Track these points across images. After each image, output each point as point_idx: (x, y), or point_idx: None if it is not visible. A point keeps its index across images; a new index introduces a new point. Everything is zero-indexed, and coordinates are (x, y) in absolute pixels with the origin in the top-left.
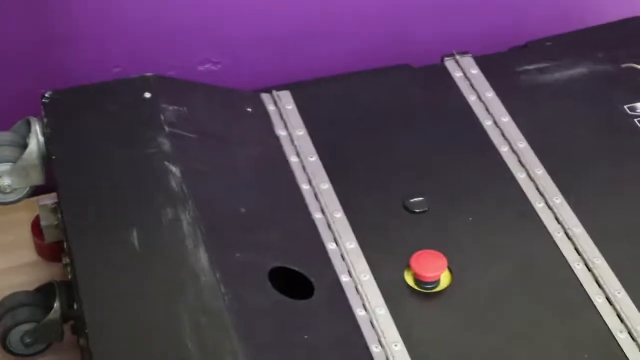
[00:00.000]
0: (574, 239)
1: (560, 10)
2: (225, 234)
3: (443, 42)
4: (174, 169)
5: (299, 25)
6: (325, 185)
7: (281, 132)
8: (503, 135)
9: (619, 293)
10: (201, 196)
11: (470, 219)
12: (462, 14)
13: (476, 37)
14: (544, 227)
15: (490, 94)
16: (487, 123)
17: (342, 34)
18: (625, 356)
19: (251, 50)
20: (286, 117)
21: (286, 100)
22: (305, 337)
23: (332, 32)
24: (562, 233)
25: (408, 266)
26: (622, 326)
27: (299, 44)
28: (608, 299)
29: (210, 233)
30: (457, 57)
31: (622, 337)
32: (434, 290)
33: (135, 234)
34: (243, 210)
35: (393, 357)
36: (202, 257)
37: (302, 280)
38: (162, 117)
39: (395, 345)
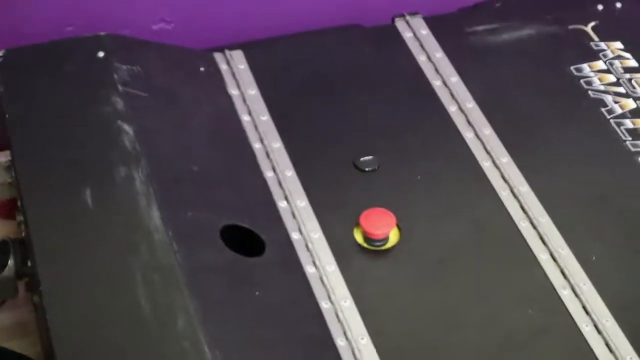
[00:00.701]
0: (519, 197)
1: None
2: (178, 192)
3: (395, 2)
4: (127, 127)
5: None
6: (276, 144)
7: (233, 92)
8: (452, 95)
9: (562, 250)
10: (154, 154)
11: (419, 177)
12: None
13: None
14: (491, 185)
15: (439, 55)
16: (437, 83)
17: None
18: (568, 310)
19: (204, 9)
20: (238, 76)
21: (238, 60)
22: (257, 293)
23: None
24: (508, 191)
25: (358, 224)
26: (565, 282)
27: (251, 2)
28: (552, 255)
29: (163, 191)
30: (408, 17)
31: (565, 293)
32: (383, 248)
33: (88, 192)
34: (195, 168)
35: (342, 312)
36: (155, 215)
37: (253, 238)
38: (116, 76)
39: (345, 301)
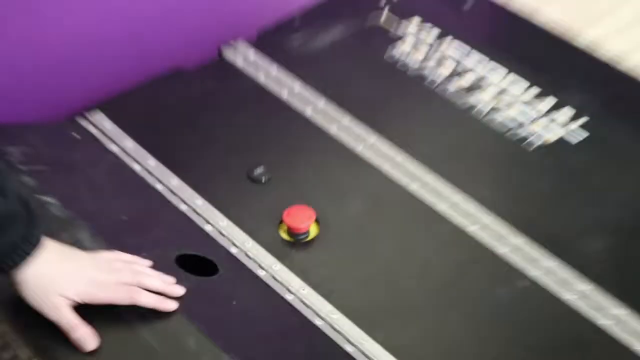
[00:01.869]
0: (401, 165)
1: None
2: (123, 241)
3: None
4: (48, 199)
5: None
6: (175, 182)
7: (113, 147)
8: (302, 99)
9: (457, 197)
10: (83, 216)
11: (309, 173)
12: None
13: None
14: (373, 163)
15: (274, 70)
16: (284, 93)
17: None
18: (482, 242)
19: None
20: (110, 134)
21: (102, 120)
22: (234, 303)
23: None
24: (389, 164)
25: (281, 223)
26: (467, 221)
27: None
28: (450, 203)
29: (111, 243)
30: (234, 44)
31: (472, 229)
32: (307, 239)
33: None
34: (125, 217)
35: (306, 299)
36: None
37: (202, 261)
38: (12, 159)
39: (303, 290)
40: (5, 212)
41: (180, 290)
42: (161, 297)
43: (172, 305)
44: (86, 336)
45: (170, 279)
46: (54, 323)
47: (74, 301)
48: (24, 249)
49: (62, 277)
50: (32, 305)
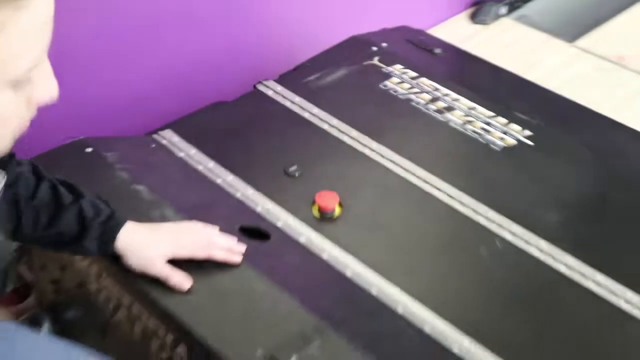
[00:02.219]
0: (399, 163)
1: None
2: (196, 217)
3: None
4: (139, 187)
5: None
6: (230, 177)
7: (181, 154)
8: (320, 118)
9: (440, 184)
10: (166, 198)
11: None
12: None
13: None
14: (379, 162)
15: (297, 99)
16: (306, 115)
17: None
18: (464, 215)
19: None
20: (178, 145)
21: (171, 136)
22: (285, 260)
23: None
24: (391, 163)
25: (313, 203)
26: (452, 201)
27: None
28: (438, 189)
29: (188, 219)
30: (265, 82)
31: (457, 206)
32: (333, 217)
33: None
34: (196, 200)
35: (337, 257)
36: None
37: (254, 232)
38: (108, 160)
39: (335, 251)
40: (91, 204)
41: (243, 248)
42: (229, 253)
43: (238, 259)
44: (182, 280)
45: (234, 239)
46: (154, 277)
47: (164, 257)
48: (117, 224)
49: (151, 240)
50: (136, 270)
